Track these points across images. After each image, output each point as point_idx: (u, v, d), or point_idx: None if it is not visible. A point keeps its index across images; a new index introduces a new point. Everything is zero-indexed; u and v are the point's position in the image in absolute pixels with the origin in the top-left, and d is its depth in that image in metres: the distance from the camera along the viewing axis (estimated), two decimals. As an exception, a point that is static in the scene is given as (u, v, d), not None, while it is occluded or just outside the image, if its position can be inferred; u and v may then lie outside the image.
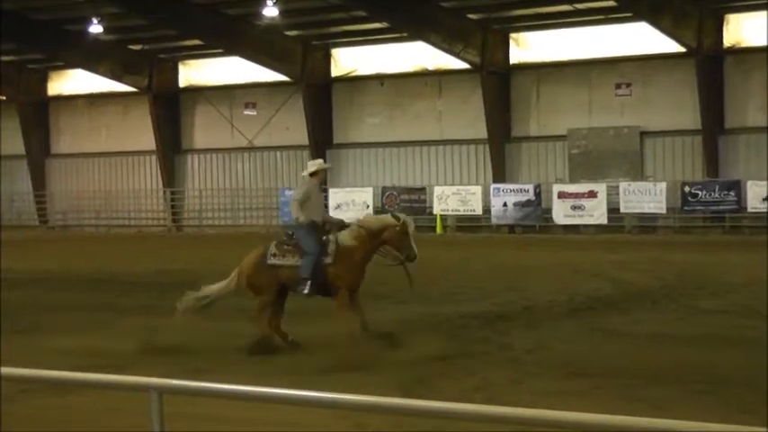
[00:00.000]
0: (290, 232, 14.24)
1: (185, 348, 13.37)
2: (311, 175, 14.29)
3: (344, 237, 13.86)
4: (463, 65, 40.28)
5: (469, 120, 40.76)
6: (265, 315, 13.80)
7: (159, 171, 47.90)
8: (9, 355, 10.72)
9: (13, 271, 25.54)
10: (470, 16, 39.46)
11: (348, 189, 40.91)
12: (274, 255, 13.81)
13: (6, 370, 6.88)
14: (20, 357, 9.83)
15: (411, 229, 13.89)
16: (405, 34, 40.79)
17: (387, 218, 14.43)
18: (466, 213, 40.02)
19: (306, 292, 13.64)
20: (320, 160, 15.46)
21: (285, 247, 13.84)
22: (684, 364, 12.27)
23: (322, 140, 42.85)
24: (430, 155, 42.13)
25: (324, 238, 13.76)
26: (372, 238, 13.79)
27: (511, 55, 40.47)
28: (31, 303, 18.93)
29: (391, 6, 38.51)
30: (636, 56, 38.01)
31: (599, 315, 16.56)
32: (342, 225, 14.19)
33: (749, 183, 35.33)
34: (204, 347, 13.52)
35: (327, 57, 43.98)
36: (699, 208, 36.38)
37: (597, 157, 38.70)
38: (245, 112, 45.93)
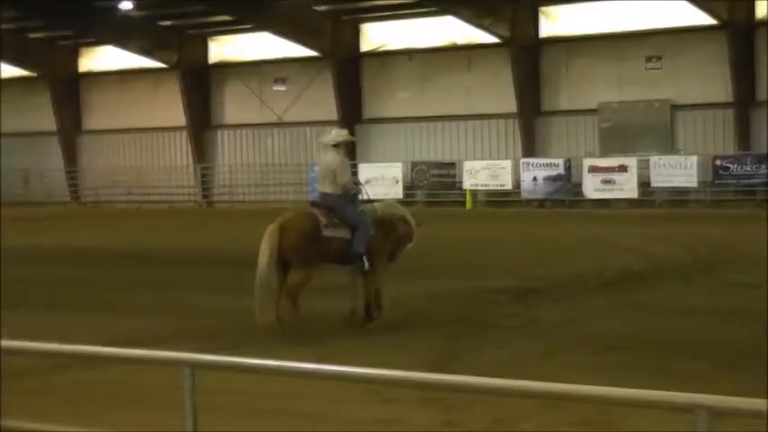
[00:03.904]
0: (330, 203, 13.15)
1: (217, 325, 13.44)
2: (336, 145, 13.41)
3: (387, 209, 13.79)
4: (493, 39, 40.14)
5: (499, 94, 40.61)
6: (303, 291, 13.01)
7: (189, 147, 48.09)
8: (41, 330, 10.80)
9: (43, 247, 25.75)
10: (500, -10, 39.32)
11: (378, 164, 40.84)
12: (327, 226, 12.93)
13: (41, 345, 6.97)
14: (52, 332, 9.91)
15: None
16: (434, 9, 40.65)
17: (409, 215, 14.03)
18: (496, 188, 39.96)
19: (365, 269, 13.15)
20: (345, 131, 14.41)
21: (334, 219, 13.02)
22: (715, 339, 12.25)
23: (351, 115, 42.81)
24: (459, 129, 42.05)
25: (361, 209, 13.48)
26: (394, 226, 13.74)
27: (541, 28, 40.30)
28: (61, 279, 19.03)
29: (421, -20, 38.45)
30: (667, 29, 37.75)
31: (630, 289, 16.52)
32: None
33: (781, 156, 35.12)
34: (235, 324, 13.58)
35: (356, 31, 43.92)
36: (730, 182, 36.16)
37: (628, 131, 38.53)
38: (275, 88, 46.00)
